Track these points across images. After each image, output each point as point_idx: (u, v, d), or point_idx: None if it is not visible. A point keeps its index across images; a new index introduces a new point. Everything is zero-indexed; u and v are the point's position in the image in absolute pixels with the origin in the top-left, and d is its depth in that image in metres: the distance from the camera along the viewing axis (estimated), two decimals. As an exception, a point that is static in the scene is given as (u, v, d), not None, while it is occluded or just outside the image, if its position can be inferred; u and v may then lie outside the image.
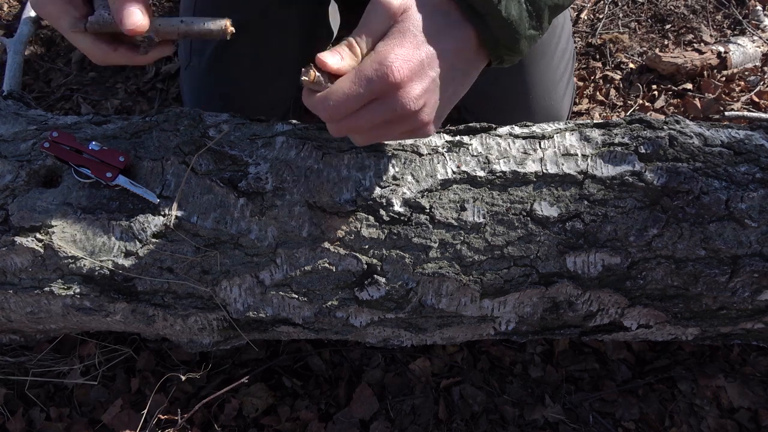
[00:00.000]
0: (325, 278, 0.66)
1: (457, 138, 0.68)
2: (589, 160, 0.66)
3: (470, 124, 0.70)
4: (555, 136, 0.68)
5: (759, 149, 0.67)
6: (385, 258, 0.65)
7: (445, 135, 0.69)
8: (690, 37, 1.29)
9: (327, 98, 0.50)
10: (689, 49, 1.24)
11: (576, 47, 1.24)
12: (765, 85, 1.17)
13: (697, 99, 1.15)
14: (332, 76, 0.51)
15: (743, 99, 1.14)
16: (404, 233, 0.64)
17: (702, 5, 1.35)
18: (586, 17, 1.37)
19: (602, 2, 1.39)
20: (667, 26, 1.33)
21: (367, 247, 0.65)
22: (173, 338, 0.75)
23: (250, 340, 0.75)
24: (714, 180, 0.65)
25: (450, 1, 0.52)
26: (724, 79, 1.19)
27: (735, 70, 1.19)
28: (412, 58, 0.50)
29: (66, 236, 0.65)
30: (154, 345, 0.87)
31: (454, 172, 0.66)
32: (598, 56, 1.28)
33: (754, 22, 1.31)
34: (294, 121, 0.72)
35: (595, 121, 0.71)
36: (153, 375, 0.85)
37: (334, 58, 0.50)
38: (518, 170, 0.65)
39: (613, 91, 1.21)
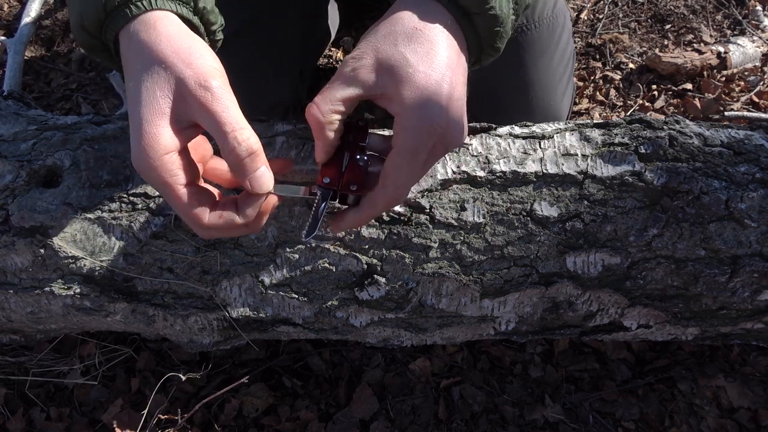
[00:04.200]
0: (325, 278, 0.66)
1: (457, 138, 0.68)
2: (589, 160, 0.66)
3: (470, 124, 0.70)
4: (555, 136, 0.68)
5: (759, 149, 0.67)
6: (385, 258, 0.65)
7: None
8: (690, 37, 1.29)
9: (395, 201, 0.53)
10: (689, 49, 1.24)
11: (576, 47, 1.24)
12: (765, 85, 1.17)
13: (697, 99, 1.15)
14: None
15: (743, 99, 1.14)
16: (404, 233, 0.64)
17: (702, 5, 1.35)
18: (586, 17, 1.37)
19: (602, 2, 1.39)
20: (667, 26, 1.33)
21: (367, 247, 0.65)
22: (173, 338, 0.75)
23: (250, 340, 0.75)
24: (714, 180, 0.65)
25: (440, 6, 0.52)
26: (724, 79, 1.19)
27: (735, 70, 1.19)
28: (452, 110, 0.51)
29: (66, 236, 0.65)
30: (154, 345, 0.87)
31: (454, 172, 0.66)
32: (598, 56, 1.28)
33: (754, 22, 1.31)
34: (294, 122, 0.72)
35: (595, 121, 0.71)
36: (153, 375, 0.85)
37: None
38: (518, 170, 0.65)
39: (613, 91, 1.21)
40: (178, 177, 0.49)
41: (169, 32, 0.49)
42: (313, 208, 0.53)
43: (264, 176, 0.50)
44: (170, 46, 0.49)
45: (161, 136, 0.48)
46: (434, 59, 0.50)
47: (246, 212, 0.51)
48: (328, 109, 0.51)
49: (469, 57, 0.55)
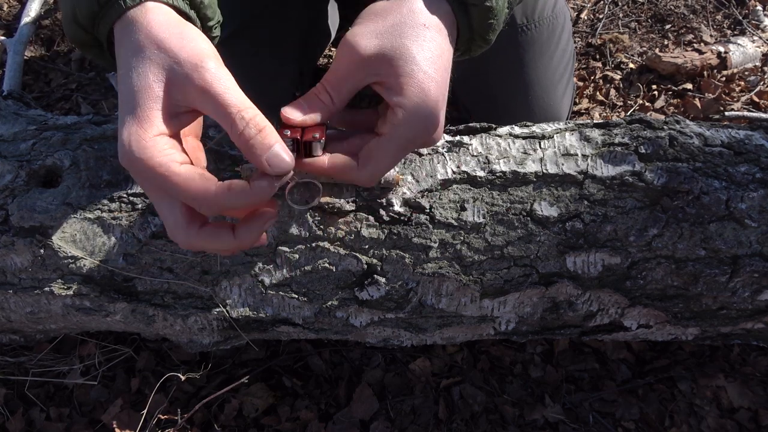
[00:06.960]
0: (325, 278, 0.66)
1: (457, 138, 0.68)
2: (589, 160, 0.66)
3: (470, 124, 0.70)
4: (555, 136, 0.68)
5: (759, 149, 0.67)
6: (385, 258, 0.65)
7: (445, 135, 0.69)
8: (690, 37, 1.29)
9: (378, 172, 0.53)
10: (689, 49, 1.24)
11: (576, 47, 1.24)
12: (765, 85, 1.17)
13: (697, 99, 1.14)
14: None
15: (743, 99, 1.14)
16: (404, 233, 0.64)
17: (702, 5, 1.35)
18: (586, 17, 1.37)
19: (602, 2, 1.39)
20: (667, 26, 1.33)
21: (367, 247, 0.65)
22: (173, 338, 0.75)
23: (250, 340, 0.75)
24: (714, 180, 0.65)
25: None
26: (724, 79, 1.19)
27: (735, 70, 1.19)
28: (438, 107, 0.51)
29: (66, 236, 0.65)
30: (154, 345, 0.87)
31: (454, 172, 0.66)
32: (598, 56, 1.28)
33: (754, 22, 1.31)
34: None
35: (595, 121, 0.71)
36: (153, 375, 0.85)
37: (296, 113, 0.52)
38: (518, 170, 0.65)
39: (613, 91, 1.21)
40: (173, 155, 0.46)
41: (160, 20, 0.49)
42: None
43: (281, 154, 0.47)
44: (162, 31, 0.48)
45: (155, 119, 0.46)
46: (437, 62, 0.51)
47: (242, 235, 0.49)
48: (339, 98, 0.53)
49: (457, 47, 0.56)
